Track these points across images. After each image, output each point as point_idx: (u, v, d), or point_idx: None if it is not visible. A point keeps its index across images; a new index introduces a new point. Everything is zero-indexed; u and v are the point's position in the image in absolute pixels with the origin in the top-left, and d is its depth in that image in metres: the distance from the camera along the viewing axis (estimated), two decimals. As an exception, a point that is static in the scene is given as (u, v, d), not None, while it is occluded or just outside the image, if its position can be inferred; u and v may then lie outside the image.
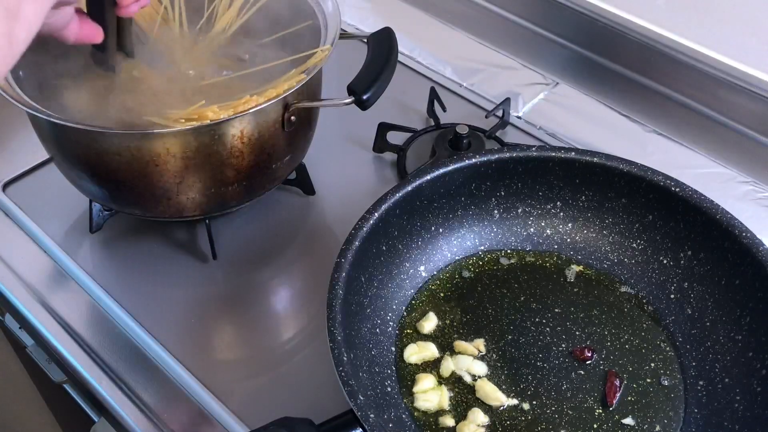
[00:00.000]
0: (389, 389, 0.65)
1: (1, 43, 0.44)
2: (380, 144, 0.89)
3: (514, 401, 0.65)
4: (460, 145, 0.86)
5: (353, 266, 0.64)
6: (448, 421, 0.63)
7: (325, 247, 0.80)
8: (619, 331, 0.69)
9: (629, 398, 0.65)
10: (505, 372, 0.67)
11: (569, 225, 0.76)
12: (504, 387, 0.66)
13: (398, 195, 0.68)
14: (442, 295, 0.72)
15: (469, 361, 0.67)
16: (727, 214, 0.67)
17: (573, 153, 0.72)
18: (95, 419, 0.81)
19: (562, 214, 0.76)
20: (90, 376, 0.69)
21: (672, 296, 0.71)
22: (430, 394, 0.65)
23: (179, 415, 0.67)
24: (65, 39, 0.60)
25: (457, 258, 0.75)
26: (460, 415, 0.64)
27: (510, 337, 0.69)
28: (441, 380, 0.66)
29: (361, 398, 0.55)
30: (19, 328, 0.86)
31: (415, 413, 0.64)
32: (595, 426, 0.63)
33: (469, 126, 0.87)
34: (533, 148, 0.73)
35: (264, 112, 0.68)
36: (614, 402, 0.65)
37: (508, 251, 0.76)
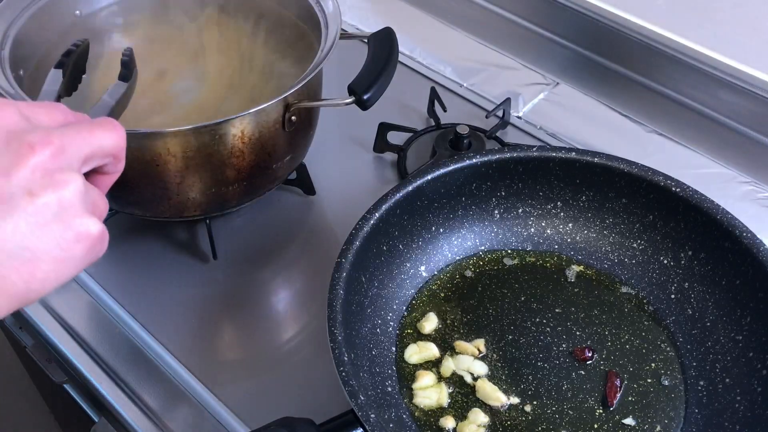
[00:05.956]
0: (390, 389, 0.65)
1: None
2: (380, 144, 0.89)
3: (515, 401, 0.65)
4: (461, 146, 0.86)
5: (354, 266, 0.64)
6: (449, 421, 0.63)
7: (325, 247, 0.80)
8: (619, 331, 0.69)
9: (630, 398, 0.65)
10: (506, 372, 0.67)
11: (570, 225, 0.76)
12: (504, 387, 0.66)
13: (399, 195, 0.68)
14: (442, 295, 0.72)
15: (470, 361, 0.67)
16: (727, 214, 0.67)
17: (573, 153, 0.72)
18: (95, 419, 0.81)
19: (562, 214, 0.76)
20: (90, 376, 0.69)
21: (672, 296, 0.71)
22: (429, 392, 0.65)
23: (179, 415, 0.67)
24: None
25: (457, 258, 0.75)
26: (461, 415, 0.64)
27: (510, 337, 0.69)
28: (441, 379, 0.66)
29: (362, 398, 0.55)
30: (19, 328, 0.85)
31: (416, 413, 0.64)
32: (595, 426, 0.63)
33: (469, 126, 0.87)
34: (534, 149, 0.73)
35: (264, 112, 0.68)
36: (615, 402, 0.65)
37: (509, 251, 0.76)
